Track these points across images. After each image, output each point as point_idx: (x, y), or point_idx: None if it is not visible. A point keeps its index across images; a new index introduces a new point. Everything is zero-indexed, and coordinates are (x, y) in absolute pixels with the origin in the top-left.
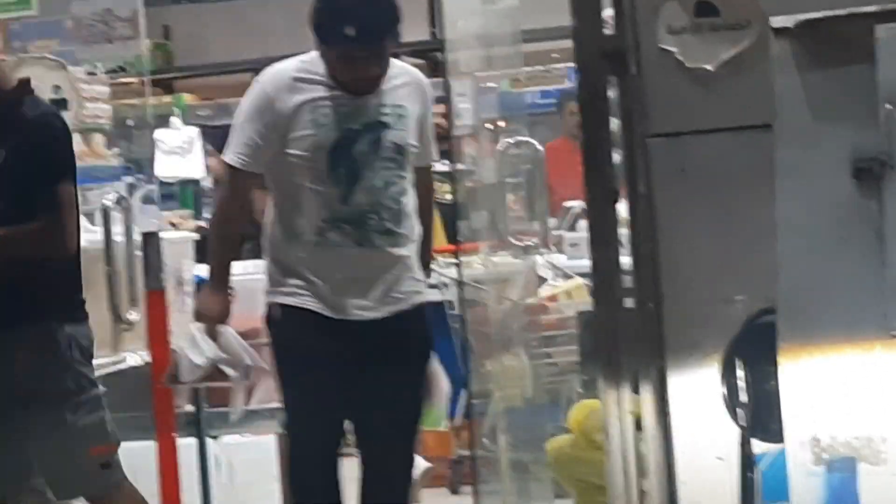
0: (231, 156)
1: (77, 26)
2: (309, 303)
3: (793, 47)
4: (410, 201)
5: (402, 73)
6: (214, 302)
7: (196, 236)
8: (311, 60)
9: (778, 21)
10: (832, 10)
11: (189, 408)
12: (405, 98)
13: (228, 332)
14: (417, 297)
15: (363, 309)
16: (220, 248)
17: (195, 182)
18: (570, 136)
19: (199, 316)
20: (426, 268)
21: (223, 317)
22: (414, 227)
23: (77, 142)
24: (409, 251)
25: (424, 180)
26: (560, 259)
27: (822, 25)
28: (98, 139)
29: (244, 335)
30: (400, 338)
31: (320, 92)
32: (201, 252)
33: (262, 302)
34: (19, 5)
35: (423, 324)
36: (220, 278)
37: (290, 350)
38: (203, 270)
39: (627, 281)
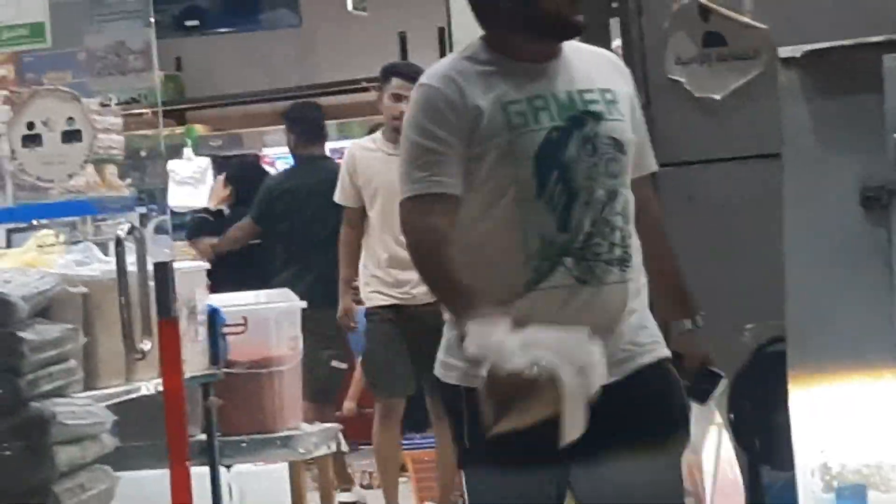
0: (413, 186)
1: (90, 58)
2: None
3: (800, 77)
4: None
5: (585, 49)
6: None
7: (208, 266)
8: (475, 50)
9: (785, 51)
10: (839, 40)
11: (202, 436)
12: (607, 78)
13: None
14: (659, 349)
15: None
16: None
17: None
18: None
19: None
20: (689, 314)
21: None
22: (639, 253)
23: (89, 173)
24: (642, 286)
25: (648, 194)
26: None
27: (830, 56)
28: (111, 170)
29: (257, 364)
30: (648, 407)
31: (503, 84)
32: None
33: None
34: (33, 39)
35: (675, 385)
36: None
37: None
38: (216, 300)
39: None
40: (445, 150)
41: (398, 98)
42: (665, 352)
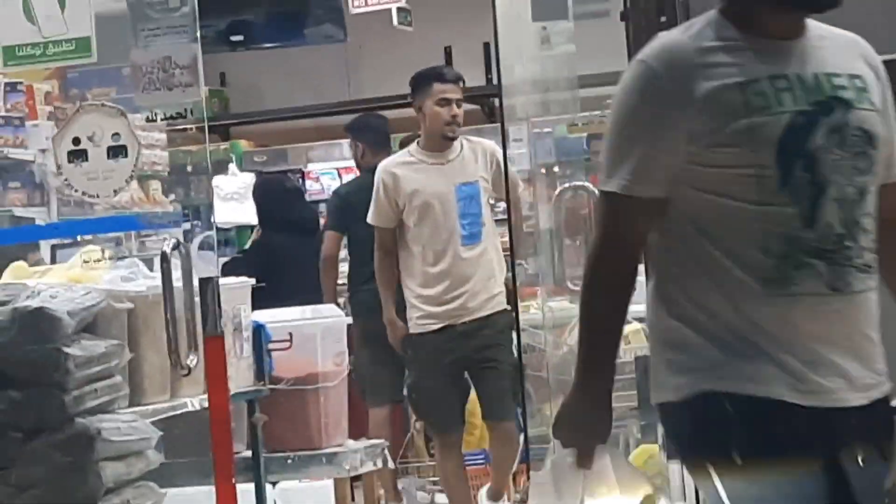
0: (617, 181)
1: (136, 73)
2: (775, 389)
3: None
4: None
5: (833, 31)
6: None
7: (253, 282)
8: (705, 24)
9: None
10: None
11: (247, 453)
12: (856, 65)
13: None
14: (887, 383)
15: (843, 390)
16: (602, 324)
17: (251, 228)
18: None
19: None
20: None
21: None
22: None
23: (134, 189)
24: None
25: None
26: None
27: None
28: (155, 186)
29: (302, 381)
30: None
31: (740, 62)
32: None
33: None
34: (79, 53)
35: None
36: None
37: (764, 457)
38: (260, 316)
39: None
40: (659, 139)
41: (446, 102)
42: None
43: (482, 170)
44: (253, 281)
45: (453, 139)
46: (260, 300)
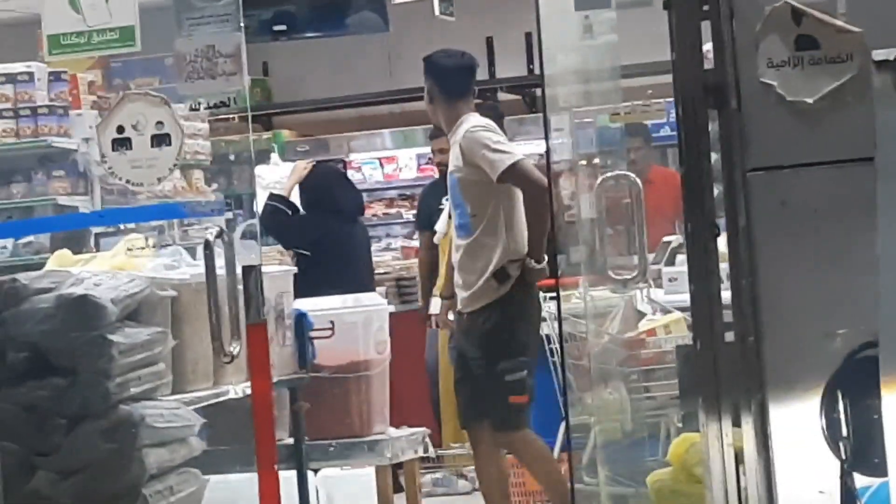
0: None
1: (180, 62)
2: None
3: (894, 80)
4: None
5: None
6: None
7: (295, 270)
8: None
9: (880, 54)
10: None
11: (289, 440)
12: None
13: None
14: None
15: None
16: None
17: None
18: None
19: None
20: None
21: None
22: None
23: (176, 177)
24: None
25: None
26: (659, 293)
27: None
28: (197, 175)
29: (344, 369)
30: None
31: None
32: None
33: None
34: (123, 42)
35: None
36: None
37: None
38: (302, 304)
39: (727, 315)
40: None
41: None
42: None
43: (455, 160)
44: (295, 269)
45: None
46: (306, 284)
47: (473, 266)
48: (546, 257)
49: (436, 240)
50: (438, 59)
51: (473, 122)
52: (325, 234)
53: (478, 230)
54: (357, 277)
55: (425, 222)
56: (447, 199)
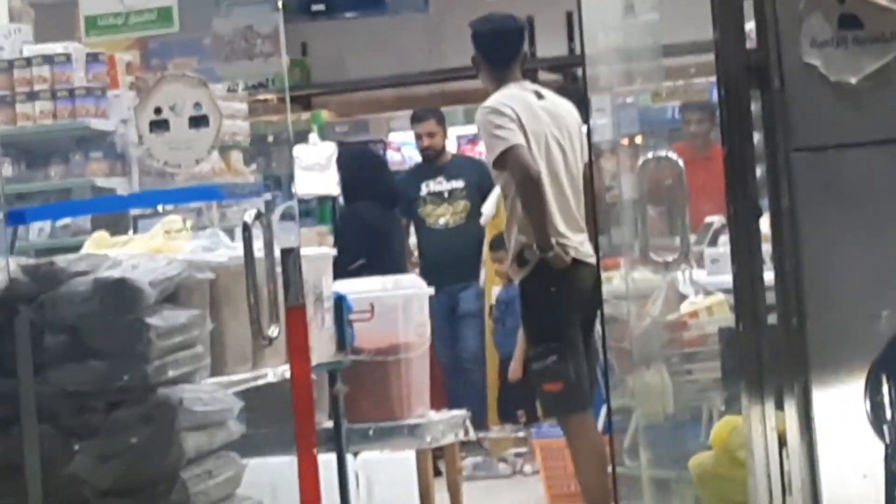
0: None
1: (217, 43)
2: None
3: None
4: None
5: None
6: None
7: (334, 252)
8: None
9: None
10: None
11: (329, 424)
12: None
13: None
14: None
15: None
16: None
17: (332, 198)
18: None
19: None
20: None
21: None
22: None
23: (214, 159)
24: None
25: None
26: (701, 275)
27: None
28: (236, 156)
29: (383, 352)
30: None
31: None
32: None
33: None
34: (161, 23)
35: None
36: None
37: None
38: (342, 287)
39: (770, 297)
40: None
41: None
42: None
43: None
44: (334, 251)
45: None
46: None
47: (507, 247)
48: (554, 245)
49: (482, 222)
50: (479, 25)
51: (492, 98)
52: (362, 222)
53: (508, 212)
54: (392, 264)
55: (405, 210)
56: (427, 185)
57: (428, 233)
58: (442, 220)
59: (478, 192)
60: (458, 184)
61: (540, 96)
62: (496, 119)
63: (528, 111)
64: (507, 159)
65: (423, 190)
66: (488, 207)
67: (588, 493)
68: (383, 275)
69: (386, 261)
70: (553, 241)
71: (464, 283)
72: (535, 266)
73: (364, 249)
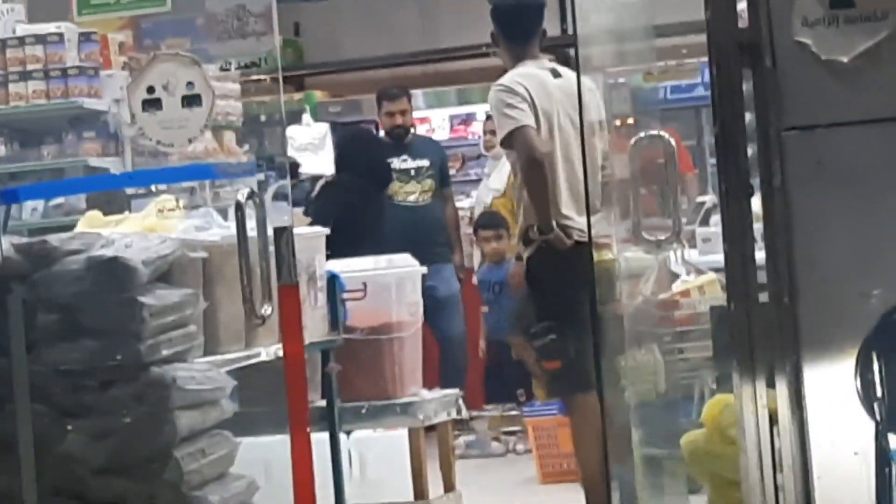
0: None
1: (210, 22)
2: None
3: None
4: None
5: None
6: None
7: (327, 231)
8: None
9: None
10: None
11: (322, 402)
12: None
13: None
14: None
15: None
16: None
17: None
18: None
19: None
20: None
21: None
22: None
23: (208, 139)
24: None
25: None
26: (693, 254)
27: None
28: (229, 136)
29: (376, 331)
30: None
31: None
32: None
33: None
34: (153, 2)
35: None
36: None
37: None
38: (335, 266)
39: (761, 276)
40: None
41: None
42: None
43: None
44: (327, 231)
45: None
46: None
47: (517, 225)
48: (554, 227)
49: (487, 201)
50: (499, 0)
51: (507, 76)
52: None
53: (516, 189)
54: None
55: None
56: (392, 162)
57: (395, 209)
58: (412, 197)
59: (439, 173)
60: (424, 162)
61: (556, 74)
62: (508, 98)
63: (542, 90)
64: (515, 139)
65: (396, 164)
66: (497, 184)
67: (585, 474)
68: (368, 253)
69: (372, 239)
70: (554, 223)
71: (438, 263)
72: (539, 245)
73: (348, 226)
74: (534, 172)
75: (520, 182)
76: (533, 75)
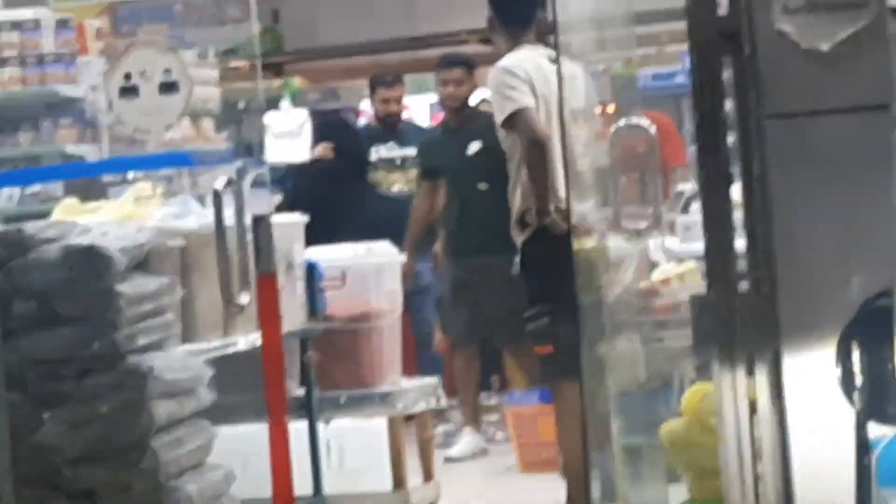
0: None
1: (188, 9)
2: None
3: None
4: None
5: None
6: None
7: (306, 219)
8: None
9: None
10: None
11: (300, 391)
12: None
13: None
14: None
15: None
16: None
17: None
18: None
19: None
20: None
21: None
22: None
23: (185, 126)
24: None
25: None
26: (673, 242)
27: None
28: (207, 123)
29: (355, 319)
30: None
31: None
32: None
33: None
34: None
35: None
36: None
37: None
38: (313, 254)
39: (742, 264)
40: None
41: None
42: None
43: None
44: (306, 219)
45: None
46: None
47: (511, 212)
48: (552, 211)
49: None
50: None
51: (506, 59)
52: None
53: (512, 174)
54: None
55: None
56: (377, 150)
57: (380, 199)
58: (396, 187)
59: None
60: (411, 151)
61: (553, 60)
62: (509, 80)
63: (541, 75)
64: (516, 121)
65: (374, 155)
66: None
67: (567, 462)
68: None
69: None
70: (552, 206)
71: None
72: (535, 229)
73: (323, 214)
74: (537, 154)
75: (517, 165)
76: (531, 59)
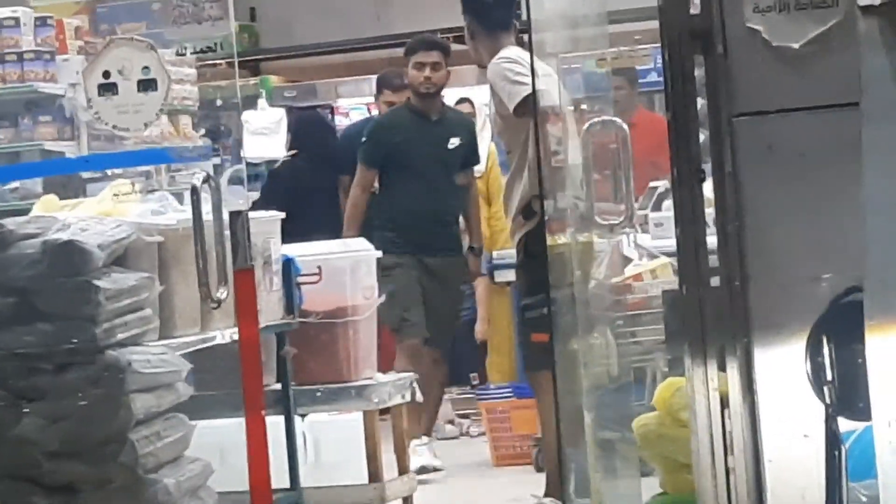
0: None
1: (166, 7)
2: None
3: (880, 25)
4: None
5: None
6: None
7: (283, 215)
8: None
9: None
10: None
11: (277, 386)
12: None
13: None
14: None
15: None
16: None
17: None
18: None
19: None
20: None
21: None
22: None
23: (164, 123)
24: None
25: None
26: (645, 238)
27: None
28: (185, 120)
29: (331, 314)
30: None
31: None
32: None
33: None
34: None
35: None
36: None
37: None
38: (290, 250)
39: (713, 260)
40: None
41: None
42: None
43: (490, 95)
44: (283, 215)
45: None
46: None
47: (511, 204)
48: None
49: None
50: None
51: (503, 51)
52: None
53: (512, 165)
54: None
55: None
56: None
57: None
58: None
59: None
60: None
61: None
62: (515, 66)
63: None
64: (529, 105)
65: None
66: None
67: (549, 455)
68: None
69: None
70: None
71: None
72: (539, 218)
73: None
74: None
75: (520, 154)
76: (522, 56)
